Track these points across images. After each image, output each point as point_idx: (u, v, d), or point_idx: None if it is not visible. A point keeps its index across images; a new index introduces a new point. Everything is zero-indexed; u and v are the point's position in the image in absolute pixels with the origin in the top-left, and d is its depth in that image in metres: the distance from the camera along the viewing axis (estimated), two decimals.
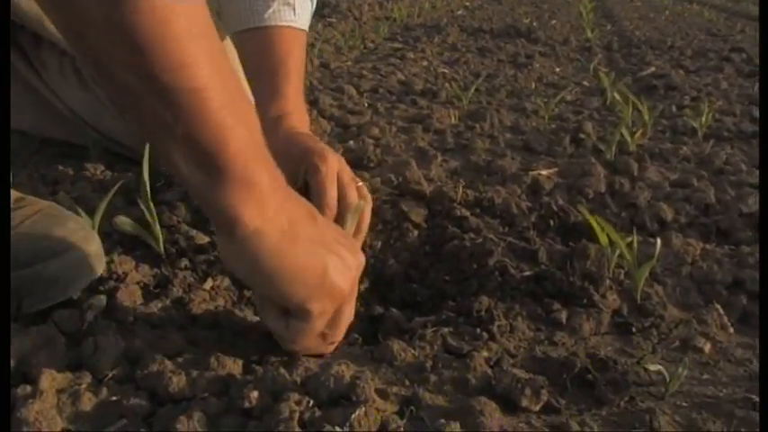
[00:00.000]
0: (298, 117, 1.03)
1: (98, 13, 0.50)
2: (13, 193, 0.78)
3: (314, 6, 1.18)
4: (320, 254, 0.64)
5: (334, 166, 0.88)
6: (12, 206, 0.75)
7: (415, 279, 0.91)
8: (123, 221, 0.84)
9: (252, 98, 1.02)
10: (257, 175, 0.59)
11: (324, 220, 0.69)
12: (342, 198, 0.87)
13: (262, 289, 0.66)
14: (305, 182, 0.88)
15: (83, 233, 0.76)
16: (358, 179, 0.94)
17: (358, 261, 0.69)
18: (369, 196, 0.92)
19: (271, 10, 1.08)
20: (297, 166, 0.89)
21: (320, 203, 0.86)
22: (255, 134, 0.61)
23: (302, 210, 0.66)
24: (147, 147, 0.85)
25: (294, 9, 1.10)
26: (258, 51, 1.08)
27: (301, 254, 0.62)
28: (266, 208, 0.60)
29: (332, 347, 0.71)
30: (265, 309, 0.67)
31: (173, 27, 0.52)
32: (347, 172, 0.90)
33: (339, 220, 0.86)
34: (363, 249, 0.95)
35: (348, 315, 0.69)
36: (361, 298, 0.85)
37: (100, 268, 0.77)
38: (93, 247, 0.76)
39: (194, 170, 0.57)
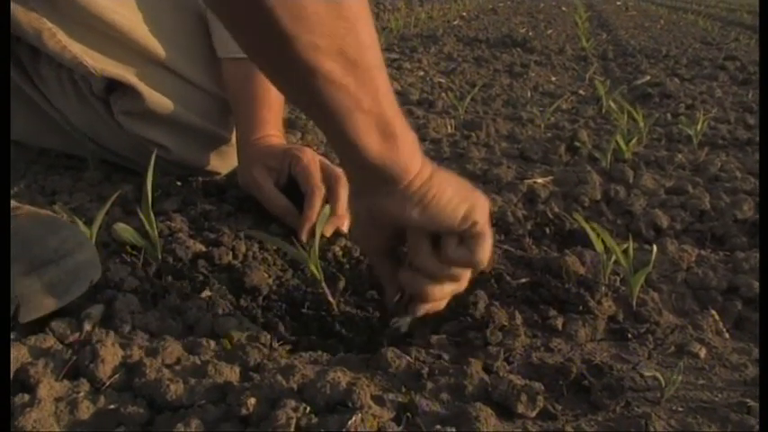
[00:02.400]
0: (278, 139, 1.12)
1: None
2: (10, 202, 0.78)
3: None
4: (459, 180, 0.73)
5: (312, 154, 1.03)
6: None
7: None
8: (123, 229, 0.85)
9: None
10: (412, 134, 0.69)
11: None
12: (326, 178, 1.00)
13: (435, 219, 0.70)
14: (289, 175, 1.02)
15: (78, 241, 0.76)
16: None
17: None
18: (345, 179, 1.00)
19: None
20: (280, 162, 1.04)
21: (308, 185, 0.99)
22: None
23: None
24: (153, 156, 0.87)
25: None
26: (244, 80, 1.13)
27: (452, 181, 0.72)
28: (421, 156, 0.70)
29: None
30: (446, 244, 0.72)
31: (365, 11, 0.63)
32: (324, 160, 1.04)
33: (329, 198, 0.99)
34: (359, 257, 0.96)
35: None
36: (357, 305, 0.85)
37: (96, 276, 0.77)
38: (89, 254, 0.76)
39: (377, 137, 0.66)
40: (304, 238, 0.97)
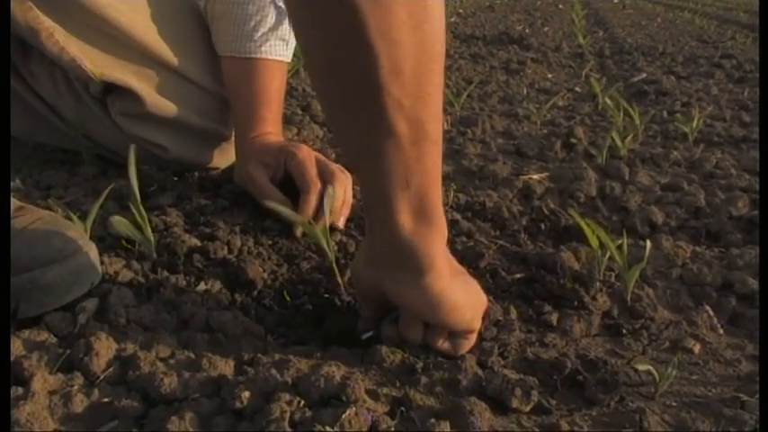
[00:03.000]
0: (275, 137, 1.12)
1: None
2: (14, 202, 0.78)
3: None
4: (469, 282, 0.72)
5: (308, 150, 1.03)
6: (12, 214, 0.75)
7: None
8: (119, 222, 0.85)
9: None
10: (443, 221, 0.66)
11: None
12: (321, 173, 0.99)
13: (442, 320, 0.69)
14: (285, 171, 1.02)
15: (81, 242, 0.76)
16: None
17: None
18: (348, 173, 1.02)
19: (268, 44, 1.13)
20: (276, 158, 1.03)
21: (303, 180, 0.99)
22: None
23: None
24: (132, 150, 0.85)
25: (287, 44, 1.15)
26: (244, 78, 1.13)
27: (464, 286, 0.70)
28: (444, 251, 0.68)
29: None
30: (436, 336, 0.71)
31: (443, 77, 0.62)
32: (320, 156, 1.03)
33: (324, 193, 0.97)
34: (354, 252, 0.96)
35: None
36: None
37: (96, 277, 0.77)
38: (91, 256, 0.76)
39: (414, 218, 0.63)
40: (298, 233, 0.97)
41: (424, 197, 0.63)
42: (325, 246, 0.84)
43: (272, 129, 1.12)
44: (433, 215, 0.64)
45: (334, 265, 0.85)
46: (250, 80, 1.12)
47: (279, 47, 1.14)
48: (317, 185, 0.98)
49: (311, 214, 0.95)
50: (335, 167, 1.01)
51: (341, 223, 1.00)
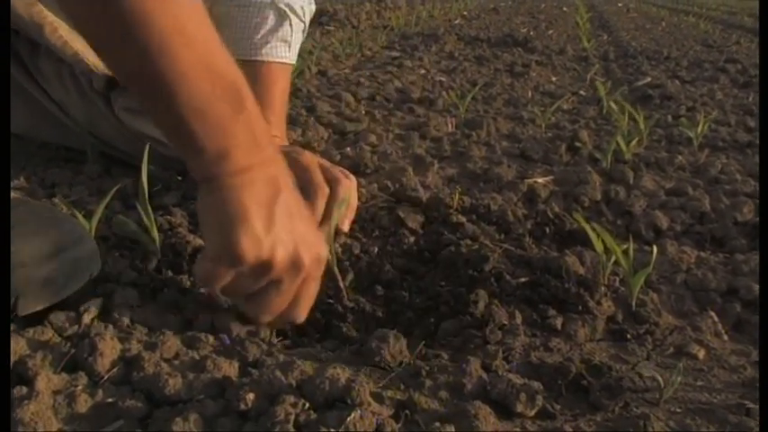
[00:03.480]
0: (279, 141, 1.11)
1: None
2: (11, 197, 0.78)
3: (304, 37, 1.24)
4: (291, 224, 0.70)
5: (311, 156, 1.01)
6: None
7: (411, 285, 0.91)
8: (124, 222, 0.85)
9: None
10: (233, 148, 0.68)
11: (303, 206, 0.75)
12: (328, 179, 0.97)
13: (217, 238, 0.69)
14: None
15: (78, 235, 0.76)
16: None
17: (322, 249, 0.74)
18: (352, 177, 1.02)
19: (269, 46, 1.13)
20: None
21: (310, 186, 0.95)
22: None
23: (286, 181, 0.73)
24: (147, 149, 0.85)
25: (290, 46, 1.15)
26: (250, 82, 1.11)
27: (276, 214, 0.69)
28: (242, 169, 0.69)
29: (296, 320, 0.75)
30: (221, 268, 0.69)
31: None
32: (323, 161, 1.01)
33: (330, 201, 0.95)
34: (359, 254, 0.96)
35: (311, 294, 0.74)
36: (358, 306, 0.85)
37: (95, 270, 0.77)
38: (89, 248, 0.76)
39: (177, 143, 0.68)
40: None
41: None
42: (330, 251, 0.84)
43: (275, 132, 1.12)
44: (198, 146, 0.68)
45: (336, 268, 0.85)
46: (253, 83, 1.11)
47: (280, 48, 1.14)
48: (324, 191, 0.96)
49: (319, 220, 0.94)
50: (339, 171, 1.00)
51: (346, 227, 1.00)
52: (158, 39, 0.63)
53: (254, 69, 1.11)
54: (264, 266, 0.68)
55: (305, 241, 0.71)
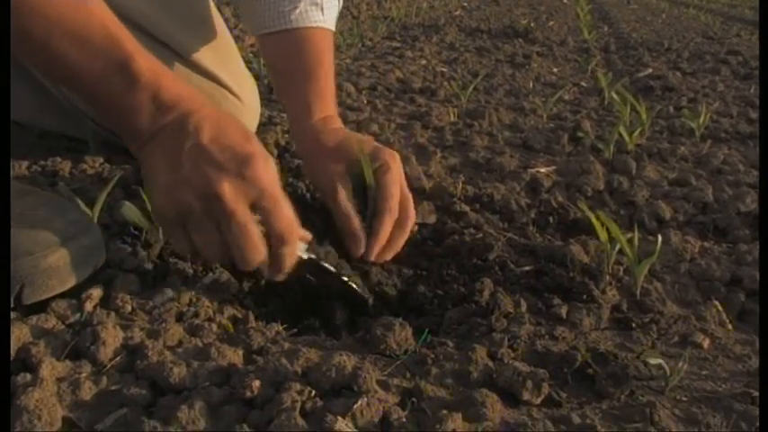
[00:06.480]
0: (339, 123, 1.03)
1: None
2: (15, 185, 0.78)
3: (341, 5, 1.14)
4: (203, 165, 0.70)
5: (399, 167, 0.91)
6: (13, 198, 0.74)
7: (416, 274, 0.91)
8: (128, 208, 0.84)
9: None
10: (137, 124, 0.73)
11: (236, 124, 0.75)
12: (403, 205, 0.89)
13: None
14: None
15: (84, 224, 0.75)
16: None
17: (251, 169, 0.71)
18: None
19: (298, 11, 1.04)
20: (356, 164, 0.90)
21: (386, 203, 0.87)
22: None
23: (198, 125, 0.72)
24: None
25: (322, 9, 1.06)
26: (289, 54, 1.04)
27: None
28: (149, 138, 0.73)
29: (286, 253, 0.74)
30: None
31: None
32: (403, 177, 0.92)
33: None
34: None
35: (282, 213, 0.74)
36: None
37: (101, 259, 0.76)
38: (95, 237, 0.76)
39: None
40: (372, 257, 0.88)
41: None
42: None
43: (328, 109, 1.02)
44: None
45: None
46: (293, 55, 1.03)
47: (312, 13, 1.05)
48: (394, 215, 0.88)
49: (384, 242, 0.88)
50: (410, 197, 0.91)
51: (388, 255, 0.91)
52: (44, 30, 0.68)
53: (293, 41, 1.03)
54: (182, 212, 0.71)
55: (222, 171, 0.70)
